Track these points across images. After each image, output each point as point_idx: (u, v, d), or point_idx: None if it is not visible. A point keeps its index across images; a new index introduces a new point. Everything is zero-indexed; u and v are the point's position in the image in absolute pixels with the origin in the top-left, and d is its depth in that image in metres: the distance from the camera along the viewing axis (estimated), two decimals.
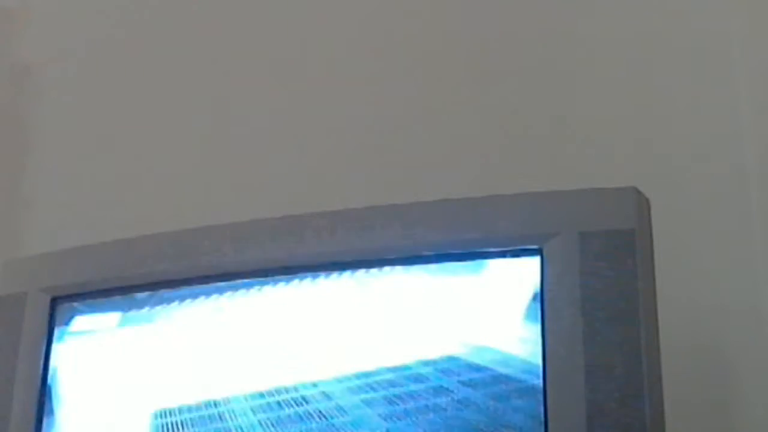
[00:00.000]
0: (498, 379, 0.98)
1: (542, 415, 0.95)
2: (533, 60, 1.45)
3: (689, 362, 1.27)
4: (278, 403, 1.06)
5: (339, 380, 1.03)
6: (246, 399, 1.07)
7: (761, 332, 1.29)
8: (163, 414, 1.09)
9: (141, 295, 1.13)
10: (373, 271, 1.05)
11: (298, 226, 1.08)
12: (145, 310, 1.13)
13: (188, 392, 1.09)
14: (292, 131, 1.51)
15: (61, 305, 1.15)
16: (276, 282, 1.08)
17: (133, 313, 1.13)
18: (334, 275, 1.06)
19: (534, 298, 0.98)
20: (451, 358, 1.01)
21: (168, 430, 1.08)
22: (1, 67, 1.66)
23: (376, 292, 1.04)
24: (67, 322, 1.15)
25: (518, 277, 0.99)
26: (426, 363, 1.01)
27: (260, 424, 1.05)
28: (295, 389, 1.05)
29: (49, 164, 1.61)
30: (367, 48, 1.52)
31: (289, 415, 1.04)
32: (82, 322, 1.15)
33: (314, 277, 1.07)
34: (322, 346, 1.05)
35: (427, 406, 1.00)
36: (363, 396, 1.02)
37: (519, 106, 1.44)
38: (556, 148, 1.41)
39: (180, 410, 1.09)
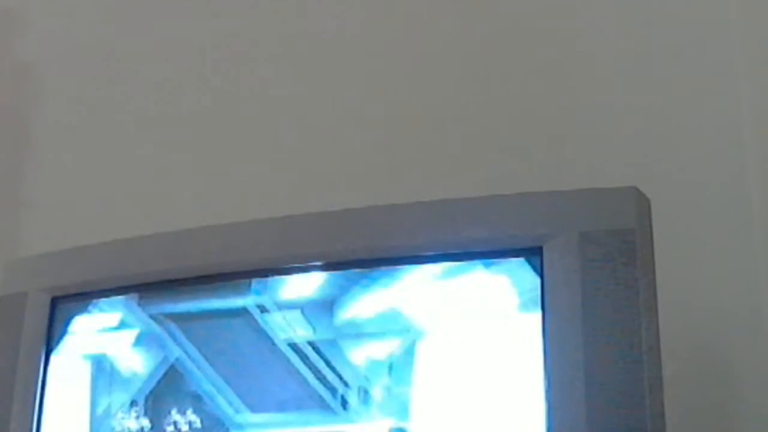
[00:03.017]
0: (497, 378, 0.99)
1: (542, 415, 0.95)
2: (533, 60, 1.45)
3: (689, 362, 1.27)
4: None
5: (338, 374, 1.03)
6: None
7: (761, 332, 1.29)
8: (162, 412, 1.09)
9: (141, 295, 1.13)
10: (374, 271, 1.04)
11: (297, 226, 1.08)
12: (145, 310, 1.13)
13: (188, 391, 1.09)
14: (292, 131, 1.51)
15: (61, 305, 1.15)
16: (276, 282, 1.08)
17: (133, 313, 1.13)
18: (334, 275, 1.06)
19: (534, 298, 0.98)
20: (450, 358, 1.01)
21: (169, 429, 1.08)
22: (1, 67, 1.66)
23: (376, 292, 1.04)
24: (67, 322, 1.15)
25: (518, 278, 0.99)
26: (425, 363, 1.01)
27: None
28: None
29: (49, 164, 1.61)
30: (368, 48, 1.52)
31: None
32: (82, 322, 1.15)
33: (314, 277, 1.07)
34: (321, 344, 1.05)
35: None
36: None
37: (519, 105, 1.44)
38: (556, 148, 1.41)
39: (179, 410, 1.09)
